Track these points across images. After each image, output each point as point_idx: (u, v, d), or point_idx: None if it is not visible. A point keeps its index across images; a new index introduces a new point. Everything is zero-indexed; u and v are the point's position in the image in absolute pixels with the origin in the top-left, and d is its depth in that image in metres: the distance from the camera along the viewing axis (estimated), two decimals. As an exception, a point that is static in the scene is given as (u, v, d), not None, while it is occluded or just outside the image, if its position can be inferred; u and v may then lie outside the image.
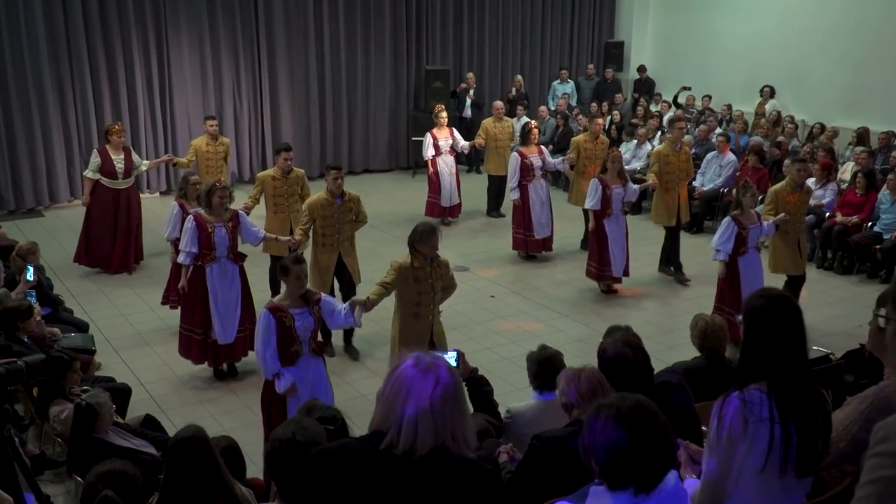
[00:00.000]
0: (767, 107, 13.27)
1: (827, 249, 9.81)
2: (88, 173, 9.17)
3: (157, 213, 10.38)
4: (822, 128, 11.98)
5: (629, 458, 2.27)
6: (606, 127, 13.75)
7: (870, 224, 9.59)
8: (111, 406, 4.90)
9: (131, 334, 7.71)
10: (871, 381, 3.55)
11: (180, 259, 6.67)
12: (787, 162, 10.81)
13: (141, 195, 10.03)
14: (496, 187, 11.68)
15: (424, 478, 2.19)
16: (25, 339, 5.68)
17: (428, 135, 11.26)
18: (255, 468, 4.75)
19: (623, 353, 3.51)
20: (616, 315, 8.00)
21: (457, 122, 12.69)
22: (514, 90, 14.78)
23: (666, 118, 13.23)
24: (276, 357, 5.17)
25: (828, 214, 9.94)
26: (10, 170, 11.50)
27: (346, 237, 7.35)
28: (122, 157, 9.14)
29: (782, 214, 7.51)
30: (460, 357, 4.24)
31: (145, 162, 9.76)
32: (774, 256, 7.87)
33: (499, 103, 11.84)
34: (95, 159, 9.10)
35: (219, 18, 12.64)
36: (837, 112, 12.66)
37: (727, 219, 7.36)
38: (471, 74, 14.41)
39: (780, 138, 11.92)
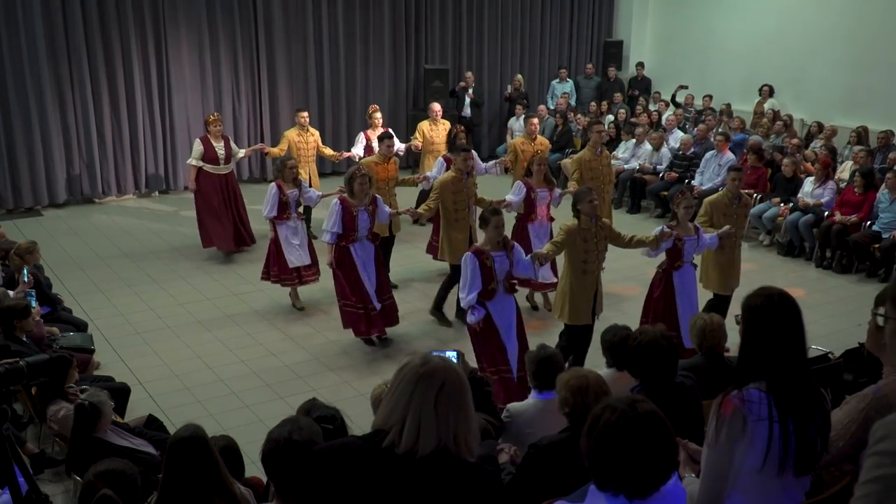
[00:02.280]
0: (766, 106, 13.27)
1: (826, 248, 9.82)
2: (192, 161, 9.72)
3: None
4: (821, 127, 11.98)
5: (627, 461, 2.24)
6: (606, 126, 13.76)
7: (868, 223, 9.60)
8: (111, 405, 4.89)
9: (130, 334, 7.70)
10: (870, 380, 3.56)
11: (324, 238, 7.23)
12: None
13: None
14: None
15: (425, 478, 2.19)
16: (24, 339, 5.68)
17: (361, 134, 10.57)
18: (254, 467, 4.74)
19: (657, 342, 3.72)
20: (613, 315, 7.97)
21: (457, 120, 12.65)
22: (510, 88, 14.80)
23: (665, 117, 13.22)
24: (476, 293, 5.99)
25: (826, 213, 9.95)
26: (8, 169, 11.49)
27: (474, 213, 7.87)
28: (222, 144, 9.75)
29: (727, 227, 6.98)
30: (460, 357, 4.24)
31: (242, 150, 10.40)
32: (705, 271, 7.32)
33: (436, 105, 11.13)
34: (198, 147, 9.67)
35: (218, 18, 12.62)
36: (836, 111, 12.66)
37: (660, 228, 6.80)
38: (470, 73, 14.41)
39: (774, 137, 11.91)
